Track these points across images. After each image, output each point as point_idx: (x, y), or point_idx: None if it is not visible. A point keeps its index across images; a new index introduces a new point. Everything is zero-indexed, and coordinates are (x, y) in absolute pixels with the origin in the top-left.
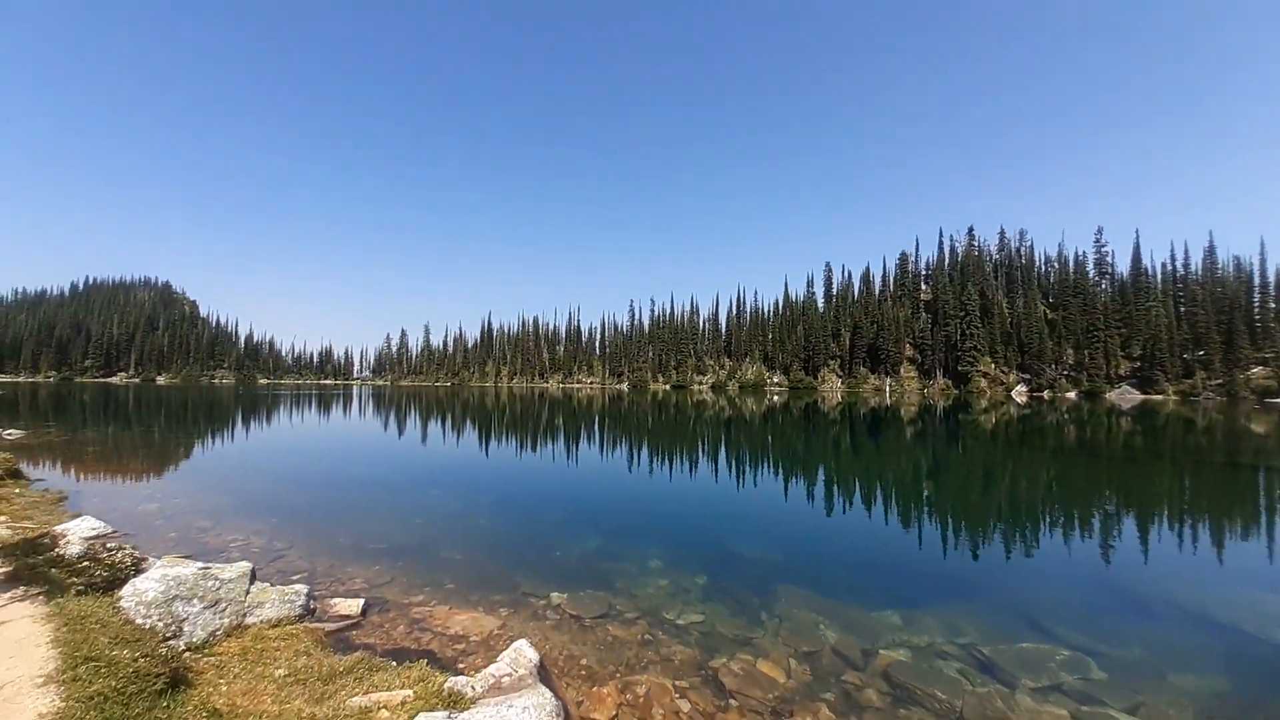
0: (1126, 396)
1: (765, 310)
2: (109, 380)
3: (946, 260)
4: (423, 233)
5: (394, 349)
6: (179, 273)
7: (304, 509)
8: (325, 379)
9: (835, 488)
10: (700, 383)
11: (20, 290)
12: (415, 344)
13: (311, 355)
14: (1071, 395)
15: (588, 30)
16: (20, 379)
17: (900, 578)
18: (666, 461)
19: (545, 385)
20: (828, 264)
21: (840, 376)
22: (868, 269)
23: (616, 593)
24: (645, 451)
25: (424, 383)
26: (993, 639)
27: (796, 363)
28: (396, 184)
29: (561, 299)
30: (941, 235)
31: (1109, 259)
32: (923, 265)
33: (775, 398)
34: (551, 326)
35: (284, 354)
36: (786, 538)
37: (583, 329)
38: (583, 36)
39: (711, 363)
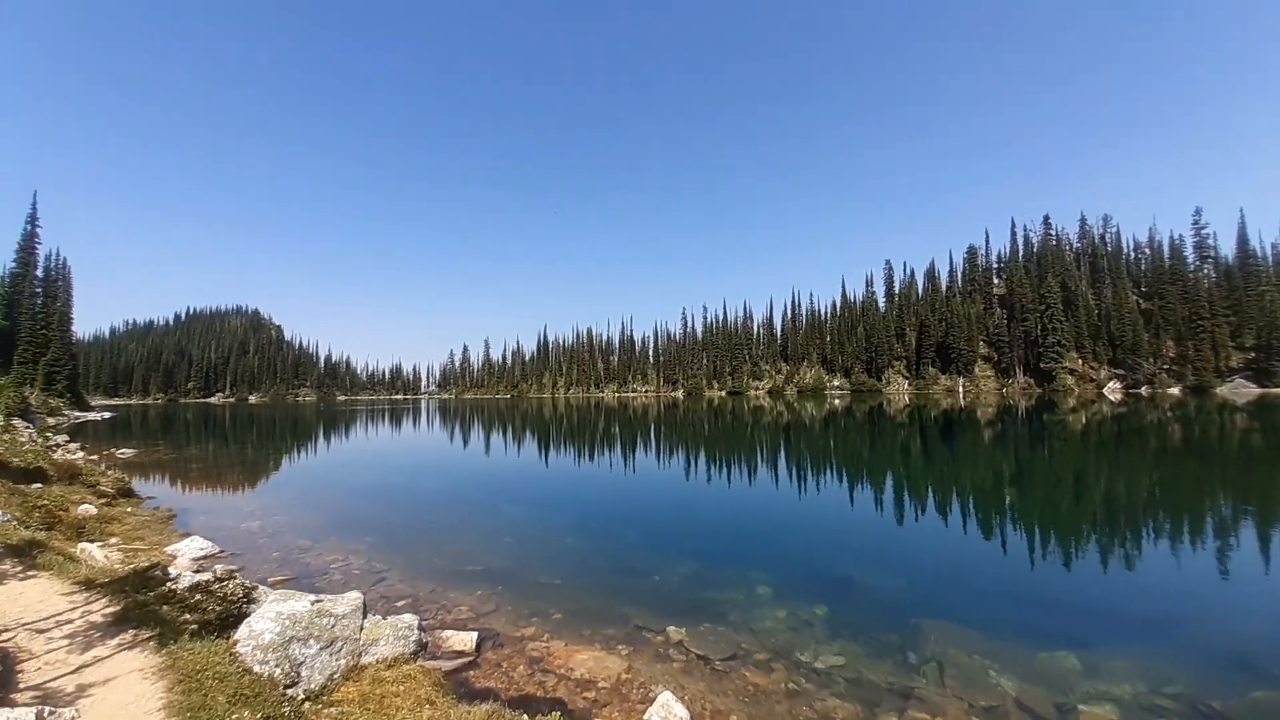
0: (1240, 390)
1: (822, 312)
2: (208, 401)
3: (1020, 251)
4: (480, 250)
5: (457, 364)
6: (265, 299)
7: (397, 527)
8: (395, 394)
9: (936, 499)
10: (756, 388)
11: (131, 321)
12: (476, 359)
13: (383, 372)
14: (1174, 391)
15: (629, 46)
16: (132, 402)
17: (1052, 608)
18: (738, 471)
19: (601, 395)
20: (888, 262)
21: (907, 377)
22: (932, 265)
23: (735, 627)
24: (713, 460)
25: (485, 395)
26: (1213, 687)
27: (858, 365)
28: (451, 207)
29: (613, 310)
30: (1014, 226)
31: (1210, 241)
32: (994, 258)
33: (836, 401)
34: (605, 337)
35: (358, 371)
36: (898, 559)
37: (635, 338)
38: (624, 53)
39: (767, 368)
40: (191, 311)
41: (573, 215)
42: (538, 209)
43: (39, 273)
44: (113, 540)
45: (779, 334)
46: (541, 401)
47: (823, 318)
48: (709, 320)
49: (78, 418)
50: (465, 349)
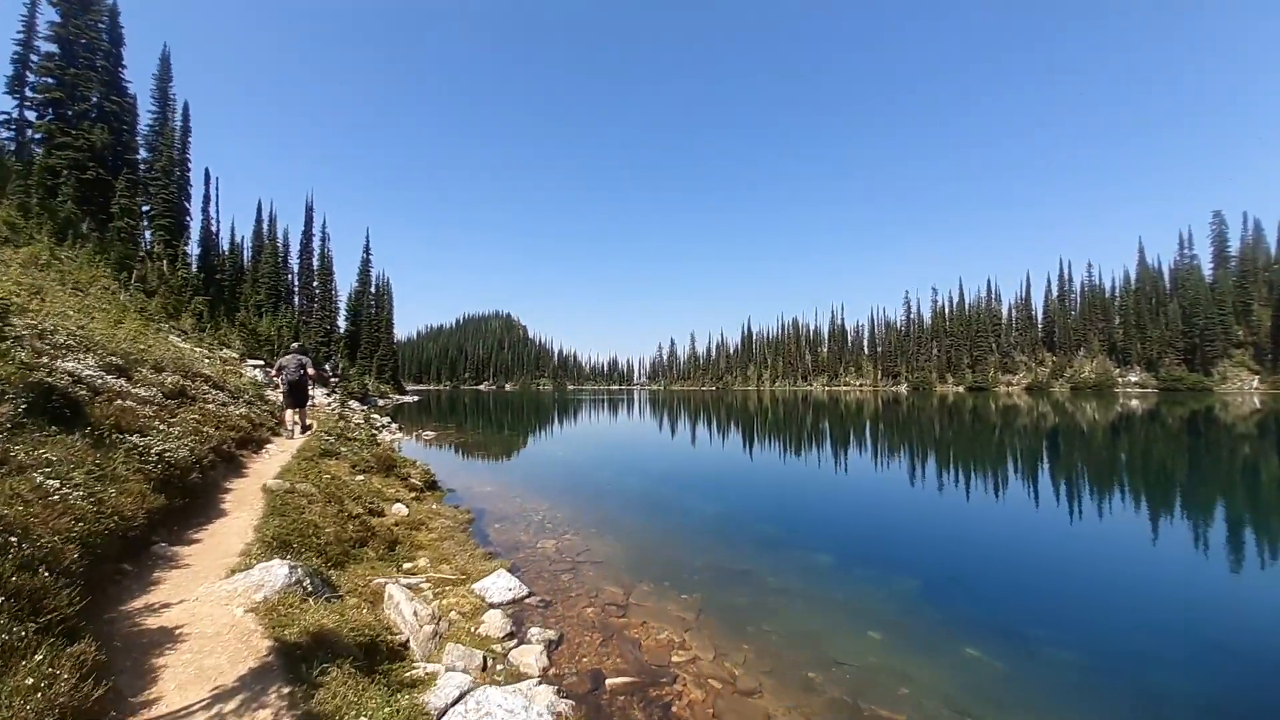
0: None
1: (1106, 287)
2: (478, 388)
3: None
4: (686, 245)
5: (664, 357)
6: (513, 302)
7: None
8: (612, 384)
9: None
10: (1009, 383)
11: (428, 326)
12: (682, 352)
13: (602, 364)
14: None
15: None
16: (429, 388)
17: None
18: (981, 487)
19: (809, 388)
20: (1217, 214)
21: (1260, 371)
22: None
23: None
24: (948, 469)
25: (691, 387)
26: None
27: (1169, 354)
28: (659, 208)
29: (821, 300)
30: None
31: None
32: None
33: (1134, 402)
34: (812, 327)
35: (583, 364)
36: None
37: (848, 328)
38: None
39: (1023, 358)
40: (465, 317)
41: (781, 210)
42: (736, 207)
43: (372, 289)
44: (420, 561)
45: (1039, 317)
46: (746, 395)
47: (1107, 294)
48: (939, 304)
49: (397, 400)
50: (672, 342)
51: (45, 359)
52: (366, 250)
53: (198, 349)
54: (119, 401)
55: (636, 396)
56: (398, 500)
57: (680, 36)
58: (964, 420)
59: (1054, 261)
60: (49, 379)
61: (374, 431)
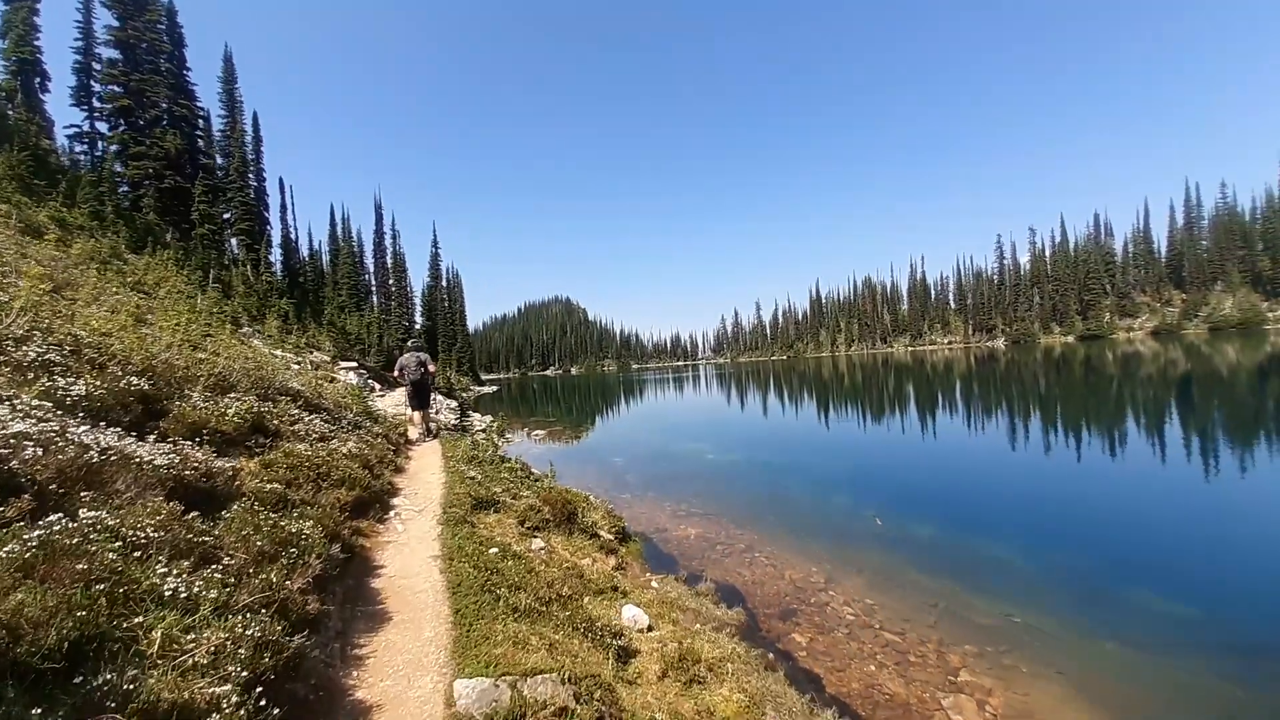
0: None
1: (1244, 208)
2: (545, 374)
3: None
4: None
5: (729, 329)
6: (573, 286)
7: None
8: (676, 360)
9: None
10: (1130, 328)
11: (495, 316)
12: (747, 322)
13: (664, 341)
14: None
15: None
16: (499, 376)
17: None
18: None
19: (890, 350)
20: None
21: None
22: None
23: None
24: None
25: (760, 358)
26: None
27: None
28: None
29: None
30: None
31: None
32: None
33: None
34: (888, 284)
35: (645, 342)
36: None
37: (929, 281)
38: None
39: (1145, 299)
40: (526, 305)
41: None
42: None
43: (444, 282)
44: None
45: (1162, 249)
46: (820, 361)
47: (1245, 216)
48: (1039, 245)
49: (477, 391)
50: (736, 313)
51: None
52: (435, 244)
53: (284, 353)
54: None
55: (703, 372)
56: (614, 588)
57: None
58: (1075, 373)
59: (1174, 186)
60: None
61: (495, 444)
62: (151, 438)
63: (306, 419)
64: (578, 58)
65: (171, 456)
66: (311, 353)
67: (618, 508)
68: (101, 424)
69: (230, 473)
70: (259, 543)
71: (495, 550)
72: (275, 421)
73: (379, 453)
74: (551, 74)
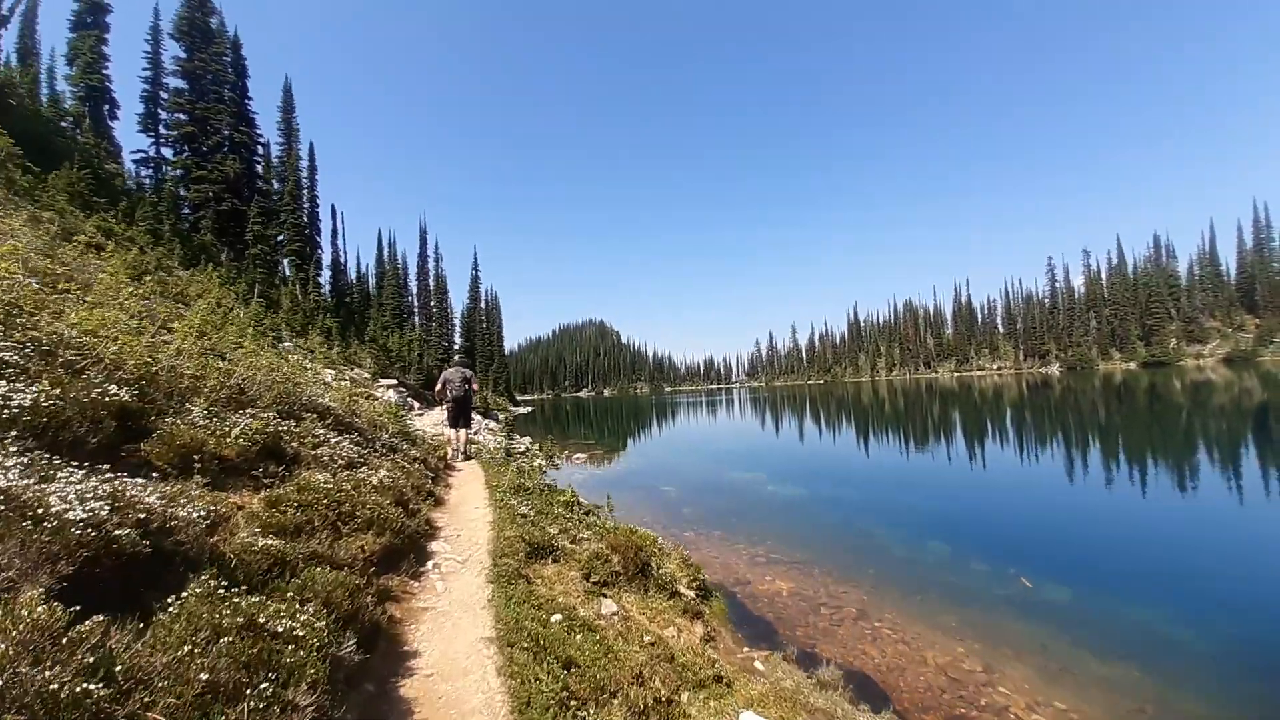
0: None
1: None
2: (579, 395)
3: None
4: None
5: (763, 352)
6: (605, 309)
7: None
8: (710, 384)
9: None
10: (1199, 354)
11: (530, 338)
12: (782, 345)
13: (698, 365)
14: None
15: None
16: (534, 397)
17: None
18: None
19: (934, 375)
20: None
21: None
22: None
23: None
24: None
25: (795, 382)
26: None
27: None
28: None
29: (941, 277)
30: None
31: None
32: None
33: None
34: (932, 307)
35: (678, 365)
36: None
37: (975, 304)
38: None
39: (1214, 324)
40: (561, 327)
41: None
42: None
43: (482, 304)
44: None
45: (1231, 272)
46: (859, 386)
47: None
48: (1094, 268)
49: (514, 412)
50: (771, 336)
51: None
52: (475, 268)
53: (322, 367)
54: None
55: (737, 395)
56: (716, 677)
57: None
58: (1138, 403)
59: (1241, 208)
60: None
61: (543, 471)
62: (106, 468)
63: (334, 440)
64: (605, 73)
65: (101, 505)
66: (352, 369)
67: (681, 547)
68: (45, 450)
69: (205, 522)
70: (204, 676)
71: (559, 618)
72: (295, 444)
73: (415, 481)
74: (578, 90)
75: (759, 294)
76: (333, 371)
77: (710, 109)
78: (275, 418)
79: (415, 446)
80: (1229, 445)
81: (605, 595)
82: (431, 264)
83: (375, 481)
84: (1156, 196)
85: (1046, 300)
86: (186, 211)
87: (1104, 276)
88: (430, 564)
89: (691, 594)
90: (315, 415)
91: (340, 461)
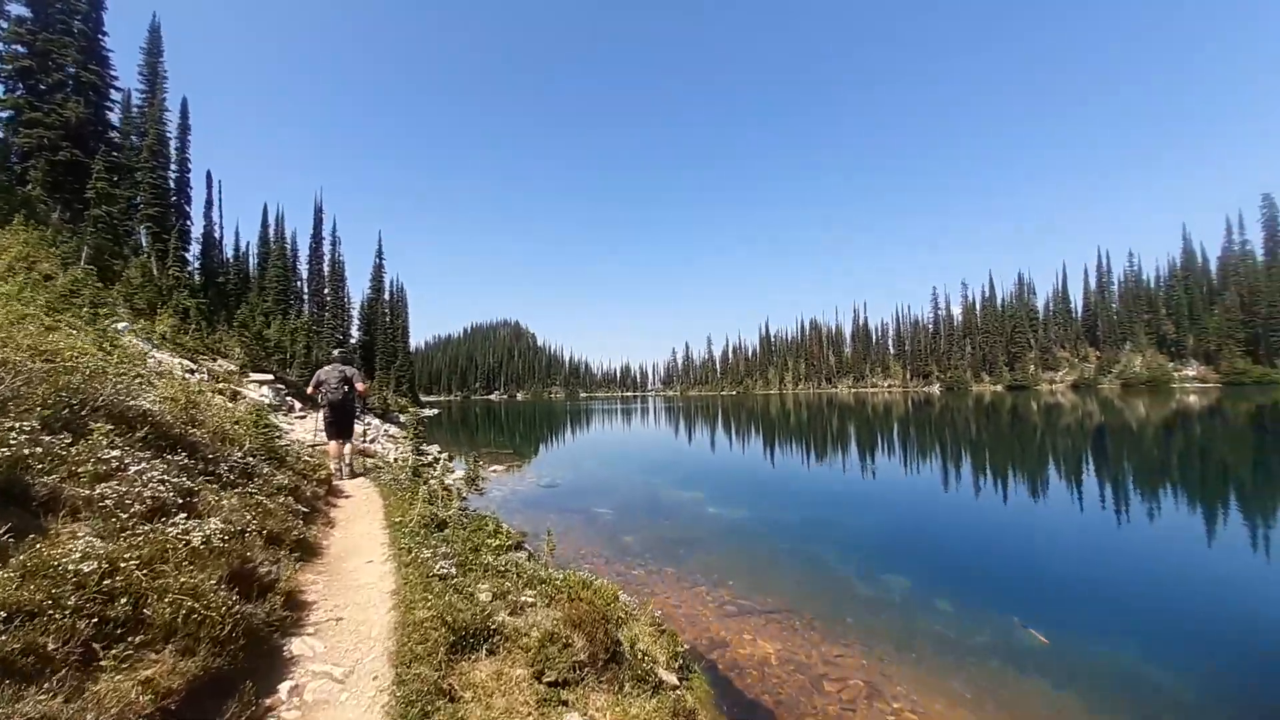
0: None
1: (1149, 277)
2: (489, 398)
3: None
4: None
5: (679, 362)
6: (520, 310)
7: None
8: (625, 391)
9: None
10: (1052, 380)
11: (437, 336)
12: (698, 356)
13: (614, 371)
14: None
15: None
16: (440, 399)
17: None
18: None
19: (834, 390)
20: (1266, 197)
21: None
22: None
23: None
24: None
25: (709, 392)
26: None
27: (1229, 346)
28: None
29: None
30: None
31: None
32: None
33: (1192, 397)
34: (834, 327)
35: (594, 371)
36: None
37: (872, 326)
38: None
39: (1065, 354)
40: (473, 326)
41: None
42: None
43: (386, 296)
44: None
45: (1079, 309)
46: (768, 398)
47: (1150, 284)
48: (970, 299)
49: (416, 413)
50: (687, 347)
51: None
52: (379, 255)
53: (175, 357)
54: None
55: (652, 403)
56: None
57: (680, 30)
58: (1002, 420)
59: (1087, 253)
60: None
61: (463, 496)
62: None
63: (137, 469)
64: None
65: None
66: (215, 360)
67: (627, 585)
68: None
69: None
70: None
71: None
72: (57, 476)
73: (277, 523)
74: (505, 88)
75: (679, 306)
76: (186, 363)
77: (640, 118)
78: (37, 429)
79: (284, 468)
80: (1072, 457)
81: (566, 703)
82: (327, 246)
83: (198, 541)
84: (1024, 240)
85: (930, 326)
86: (15, 161)
87: (978, 307)
88: (286, 688)
89: (674, 679)
90: (118, 425)
91: (140, 506)
